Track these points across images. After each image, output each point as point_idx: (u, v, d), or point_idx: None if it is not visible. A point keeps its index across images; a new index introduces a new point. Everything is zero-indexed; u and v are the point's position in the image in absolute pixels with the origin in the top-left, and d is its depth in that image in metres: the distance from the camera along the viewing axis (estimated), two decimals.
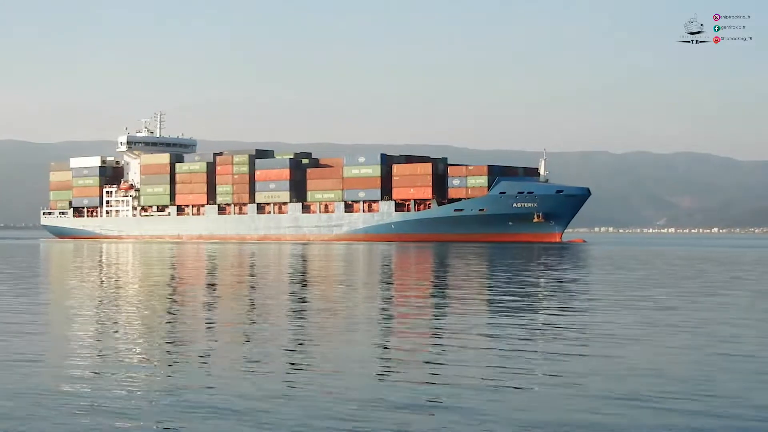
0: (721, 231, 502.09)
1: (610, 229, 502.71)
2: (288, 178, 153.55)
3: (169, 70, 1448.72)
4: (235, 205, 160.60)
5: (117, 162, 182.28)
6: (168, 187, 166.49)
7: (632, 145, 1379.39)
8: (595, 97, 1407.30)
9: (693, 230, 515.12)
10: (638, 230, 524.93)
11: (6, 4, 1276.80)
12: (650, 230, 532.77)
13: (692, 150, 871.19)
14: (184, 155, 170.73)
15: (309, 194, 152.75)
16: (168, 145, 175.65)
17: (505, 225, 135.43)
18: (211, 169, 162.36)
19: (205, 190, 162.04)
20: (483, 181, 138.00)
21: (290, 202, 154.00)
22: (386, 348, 19.28)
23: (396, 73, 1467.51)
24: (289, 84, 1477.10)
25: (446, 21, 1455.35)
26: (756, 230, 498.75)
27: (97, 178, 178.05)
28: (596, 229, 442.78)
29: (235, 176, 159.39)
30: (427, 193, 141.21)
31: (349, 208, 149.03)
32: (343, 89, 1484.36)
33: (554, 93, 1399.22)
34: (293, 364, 17.06)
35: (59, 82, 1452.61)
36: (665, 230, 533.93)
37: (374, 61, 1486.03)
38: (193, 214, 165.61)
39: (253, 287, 38.15)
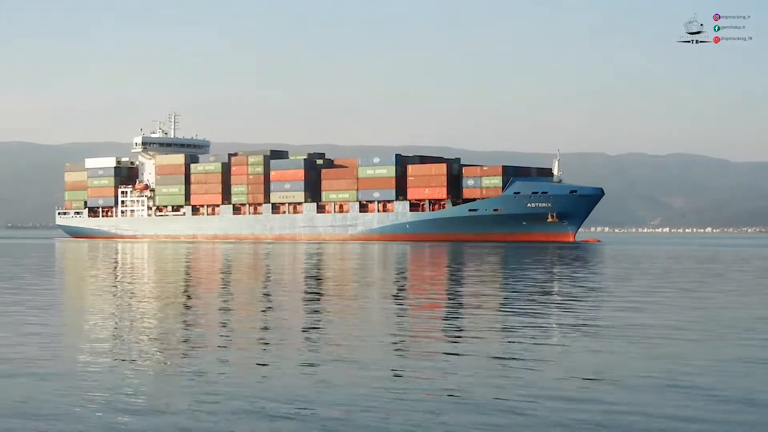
0: (714, 231, 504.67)
1: (606, 229, 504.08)
2: (303, 178, 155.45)
3: (171, 72, 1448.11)
4: (250, 205, 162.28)
5: (132, 162, 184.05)
6: (183, 187, 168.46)
7: (627, 146, 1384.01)
8: (594, 99, 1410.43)
9: (687, 230, 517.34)
10: (633, 230, 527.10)
11: (14, 6, 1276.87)
12: (645, 230, 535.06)
13: (687, 151, 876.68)
14: (199, 156, 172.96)
15: (324, 194, 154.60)
16: (182, 145, 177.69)
17: (519, 225, 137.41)
18: (226, 170, 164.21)
19: (220, 190, 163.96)
20: (497, 181, 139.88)
21: (305, 202, 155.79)
22: (400, 345, 19.19)
23: (396, 75, 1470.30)
24: (292, 86, 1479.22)
25: (444, 22, 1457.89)
26: (748, 230, 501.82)
27: (112, 179, 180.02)
28: (592, 229, 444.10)
29: (250, 176, 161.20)
30: (441, 193, 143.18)
31: (363, 208, 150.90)
32: (346, 91, 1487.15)
33: (553, 94, 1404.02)
34: (308, 358, 17.31)
35: (66, 83, 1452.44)
36: (659, 230, 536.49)
37: (375, 63, 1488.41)
38: (208, 214, 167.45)
39: (268, 284, 38.60)
